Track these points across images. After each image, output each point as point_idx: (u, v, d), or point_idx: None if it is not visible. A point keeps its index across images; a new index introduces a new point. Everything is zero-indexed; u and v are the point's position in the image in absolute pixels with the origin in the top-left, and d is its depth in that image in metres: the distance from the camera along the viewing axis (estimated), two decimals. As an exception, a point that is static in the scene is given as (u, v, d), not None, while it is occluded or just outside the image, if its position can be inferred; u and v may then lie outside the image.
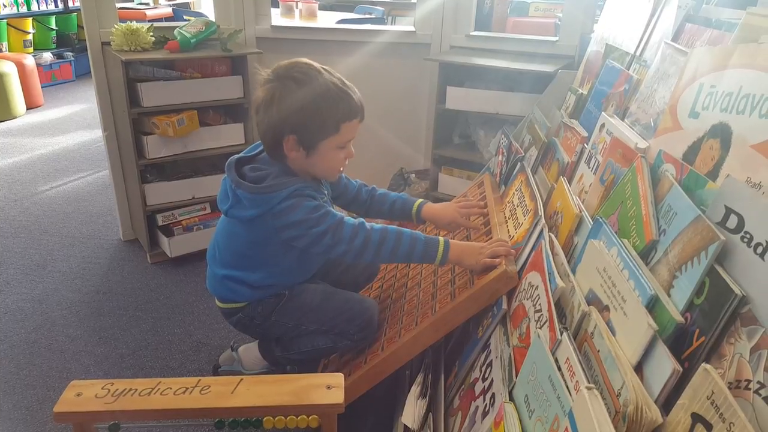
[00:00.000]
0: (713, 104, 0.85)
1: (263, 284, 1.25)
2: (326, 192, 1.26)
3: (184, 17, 2.46)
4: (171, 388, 0.82)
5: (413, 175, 2.25)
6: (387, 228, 1.16)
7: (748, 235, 0.66)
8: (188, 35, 1.85)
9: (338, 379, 0.85)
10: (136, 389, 0.82)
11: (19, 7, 4.40)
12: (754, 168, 0.72)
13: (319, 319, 1.28)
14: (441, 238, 1.17)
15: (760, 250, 0.64)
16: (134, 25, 1.82)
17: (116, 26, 1.81)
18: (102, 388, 0.82)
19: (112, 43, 1.83)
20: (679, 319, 0.69)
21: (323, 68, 1.13)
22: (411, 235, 1.16)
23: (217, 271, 1.28)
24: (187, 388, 0.82)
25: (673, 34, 1.15)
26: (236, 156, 1.21)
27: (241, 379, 0.84)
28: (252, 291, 1.26)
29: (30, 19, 4.52)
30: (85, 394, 0.81)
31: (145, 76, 1.85)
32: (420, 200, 1.38)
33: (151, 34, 1.84)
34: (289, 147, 1.12)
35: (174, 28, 1.90)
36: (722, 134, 0.81)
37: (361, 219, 1.16)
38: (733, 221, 0.69)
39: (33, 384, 1.44)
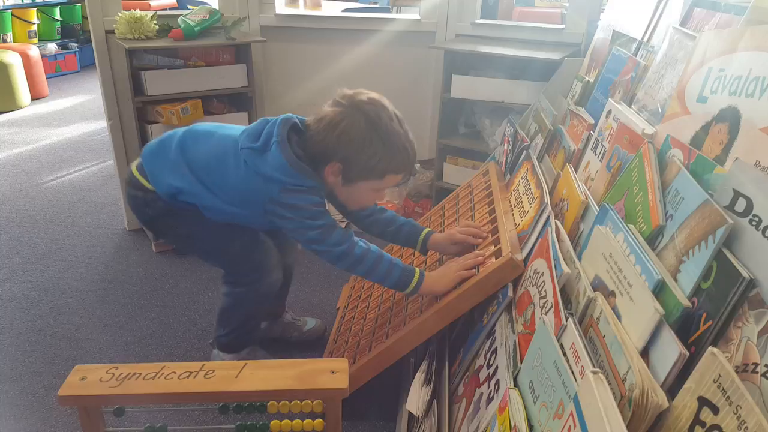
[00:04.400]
0: (722, 88, 0.84)
1: (193, 200, 1.20)
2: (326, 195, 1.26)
3: (188, 6, 2.45)
4: (175, 373, 0.82)
5: (418, 164, 2.24)
6: (370, 248, 1.17)
7: (756, 218, 0.65)
8: (192, 23, 1.85)
9: (342, 364, 0.85)
10: (140, 373, 0.82)
11: (24, -2, 4.41)
12: (763, 151, 0.71)
13: (212, 242, 1.27)
14: (417, 270, 1.18)
15: (769, 233, 0.63)
16: (138, 13, 1.81)
17: (120, 14, 1.81)
18: (106, 372, 0.82)
19: (115, 31, 1.82)
20: (686, 303, 0.68)
21: (395, 114, 1.13)
22: (390, 260, 1.17)
23: (177, 156, 1.18)
24: (191, 373, 0.82)
25: (681, 19, 1.14)
26: (294, 119, 1.16)
27: (246, 364, 0.84)
28: (175, 195, 1.20)
29: (34, 10, 4.52)
30: (89, 378, 0.81)
31: (149, 64, 1.85)
32: (428, 229, 1.36)
33: (155, 22, 1.84)
34: (331, 171, 1.13)
35: (178, 16, 1.90)
36: (731, 118, 0.80)
37: (351, 231, 1.17)
38: (741, 204, 0.68)
39: (39, 371, 1.45)
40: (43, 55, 4.24)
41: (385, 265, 1.16)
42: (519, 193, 1.37)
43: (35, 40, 4.51)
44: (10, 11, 4.33)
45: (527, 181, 1.36)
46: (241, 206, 1.20)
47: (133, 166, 1.26)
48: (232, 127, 1.23)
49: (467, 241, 1.28)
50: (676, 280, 0.73)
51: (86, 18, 2.04)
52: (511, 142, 1.65)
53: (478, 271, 1.15)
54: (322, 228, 1.14)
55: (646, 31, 1.29)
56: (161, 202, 1.22)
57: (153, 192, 1.21)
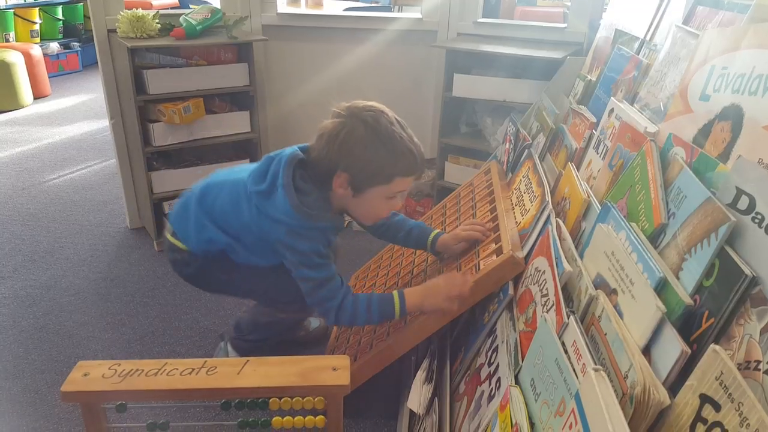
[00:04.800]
0: (725, 86, 0.84)
1: (222, 247, 1.25)
2: (340, 225, 1.24)
3: (190, 5, 2.46)
4: (177, 369, 0.82)
5: (421, 164, 2.24)
6: (345, 300, 1.15)
7: (759, 216, 0.65)
8: (194, 22, 1.85)
9: (344, 361, 0.85)
10: (143, 370, 0.82)
11: (26, -3, 4.41)
12: (766, 149, 0.71)
13: (253, 280, 1.29)
14: (396, 294, 1.17)
15: (771, 230, 0.63)
16: (140, 12, 1.81)
17: (122, 13, 1.81)
18: (109, 369, 0.82)
19: (117, 30, 1.82)
20: (688, 301, 0.69)
21: (396, 119, 1.13)
22: (366, 300, 1.17)
23: (197, 211, 1.24)
24: (193, 369, 0.82)
25: (684, 17, 1.14)
26: (300, 155, 1.15)
27: (248, 360, 0.84)
28: (206, 246, 1.25)
29: (36, 9, 4.53)
30: (92, 375, 0.81)
31: (151, 63, 1.85)
32: (436, 231, 1.36)
33: (157, 21, 1.84)
34: (339, 183, 1.12)
35: (180, 15, 1.90)
36: (734, 116, 0.80)
37: (343, 286, 1.16)
38: (744, 202, 0.68)
39: (42, 368, 1.46)
40: (45, 55, 4.24)
41: (362, 308, 1.16)
42: (520, 191, 1.37)
43: (37, 40, 4.52)
44: (12, 10, 4.33)
45: (528, 179, 1.36)
46: (259, 248, 1.22)
47: (167, 232, 1.32)
48: (243, 169, 1.25)
49: (472, 237, 1.28)
50: (678, 278, 0.73)
51: (88, 17, 2.05)
52: (512, 141, 1.65)
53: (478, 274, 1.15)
54: (315, 281, 1.14)
55: (648, 30, 1.29)
56: (197, 259, 1.28)
57: (188, 252, 1.28)
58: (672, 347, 0.66)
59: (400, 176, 1.12)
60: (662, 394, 0.63)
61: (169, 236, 1.31)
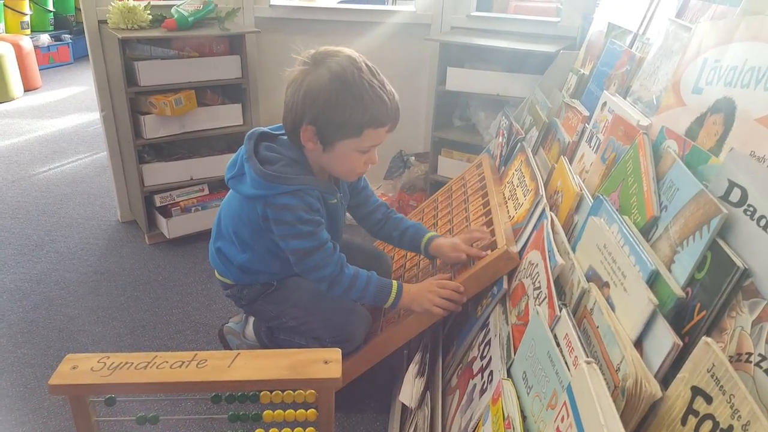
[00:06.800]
0: (717, 79, 0.84)
1: (250, 268, 1.23)
2: (341, 195, 1.21)
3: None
4: (167, 362, 0.81)
5: (413, 157, 2.24)
6: (345, 271, 1.14)
7: (751, 208, 0.65)
8: (185, 14, 1.83)
9: (335, 354, 0.85)
10: (132, 363, 0.81)
11: (16, -12, 4.35)
12: (758, 141, 0.71)
13: (300, 318, 1.26)
14: (395, 284, 1.16)
15: (763, 222, 0.63)
16: (131, 3, 1.79)
17: (113, 4, 1.79)
18: (98, 362, 0.81)
19: (108, 21, 1.81)
20: (680, 293, 0.68)
21: (366, 65, 1.05)
22: (366, 278, 1.15)
23: (214, 242, 1.27)
24: (183, 362, 0.81)
25: (677, 11, 1.14)
26: (260, 129, 1.15)
27: (238, 353, 0.84)
28: (240, 274, 1.24)
29: (27, 1, 4.47)
30: (80, 368, 0.81)
31: (142, 54, 1.83)
32: (431, 233, 1.29)
33: (148, 12, 1.82)
34: (306, 137, 1.06)
35: (171, 6, 1.88)
36: (726, 109, 0.79)
37: (339, 255, 1.14)
38: (736, 194, 0.68)
39: (31, 362, 1.44)
40: (36, 47, 4.20)
41: (361, 283, 1.14)
42: (513, 185, 1.37)
43: (28, 32, 4.46)
44: (2, 2, 4.28)
45: (521, 173, 1.35)
46: (267, 247, 1.18)
47: (216, 273, 1.31)
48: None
49: (471, 253, 1.19)
50: (670, 271, 0.73)
51: (79, 9, 2.02)
52: (506, 135, 1.64)
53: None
54: (302, 252, 1.10)
55: (641, 23, 1.28)
56: (245, 290, 1.26)
57: (235, 285, 1.27)
58: (664, 340, 0.66)
59: (371, 128, 1.04)
60: (654, 387, 0.63)
61: (217, 275, 1.31)
